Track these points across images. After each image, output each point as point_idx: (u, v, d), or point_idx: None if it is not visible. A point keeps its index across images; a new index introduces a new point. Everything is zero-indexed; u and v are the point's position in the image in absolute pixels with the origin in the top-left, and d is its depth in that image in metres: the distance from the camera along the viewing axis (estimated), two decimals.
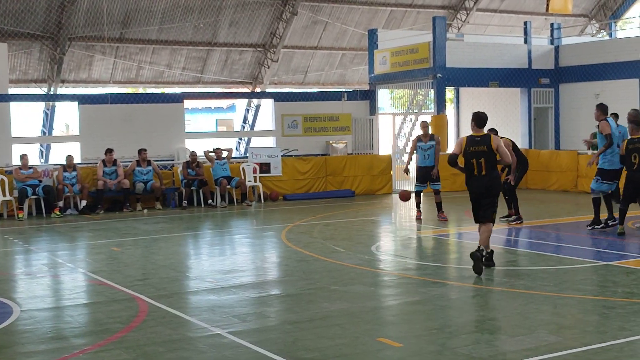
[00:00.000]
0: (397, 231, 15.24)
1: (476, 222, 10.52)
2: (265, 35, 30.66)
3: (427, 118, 25.25)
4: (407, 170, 16.76)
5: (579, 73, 25.84)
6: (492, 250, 10.47)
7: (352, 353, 6.77)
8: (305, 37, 31.53)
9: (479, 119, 10.32)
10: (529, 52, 26.25)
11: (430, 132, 16.55)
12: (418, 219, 16.12)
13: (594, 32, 36.24)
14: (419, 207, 16.29)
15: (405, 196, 16.28)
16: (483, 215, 10.32)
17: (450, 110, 29.99)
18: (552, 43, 27.20)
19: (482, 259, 9.96)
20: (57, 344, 7.29)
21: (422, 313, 8.26)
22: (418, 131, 17.96)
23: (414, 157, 16.77)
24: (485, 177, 10.21)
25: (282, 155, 21.75)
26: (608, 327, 7.44)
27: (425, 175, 16.16)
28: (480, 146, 10.17)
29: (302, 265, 11.07)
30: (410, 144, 16.34)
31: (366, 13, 31.66)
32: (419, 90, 26.75)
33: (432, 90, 24.71)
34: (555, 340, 6.99)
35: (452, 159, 10.61)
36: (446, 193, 21.60)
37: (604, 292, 8.99)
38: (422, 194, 16.35)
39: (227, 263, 11.68)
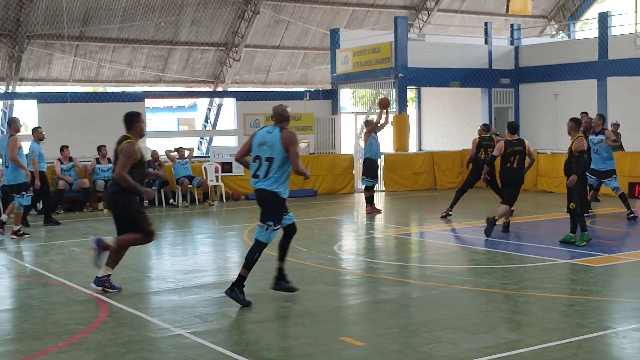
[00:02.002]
0: (359, 230, 15.29)
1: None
2: (227, 34, 30.55)
3: (389, 118, 25.38)
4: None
5: (538, 73, 26.14)
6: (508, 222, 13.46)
7: (315, 352, 6.78)
8: (267, 37, 31.47)
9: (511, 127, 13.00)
10: (490, 53, 26.50)
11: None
12: (369, 213, 16.68)
13: (553, 33, 36.68)
14: (371, 202, 16.88)
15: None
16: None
17: (412, 109, 30.15)
18: (512, 44, 27.49)
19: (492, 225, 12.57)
20: (16, 345, 7.19)
21: (384, 312, 8.30)
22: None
23: (364, 149, 17.36)
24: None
25: None
26: (567, 324, 7.54)
27: (375, 170, 16.93)
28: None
29: (264, 265, 11.02)
30: (383, 119, 16.78)
31: (328, 12, 31.70)
32: (380, 90, 26.86)
33: (394, 90, 24.83)
34: (515, 337, 7.06)
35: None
36: (408, 192, 21.75)
37: (563, 290, 9.11)
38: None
39: (189, 263, 11.62)
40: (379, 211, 17.07)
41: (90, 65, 29.05)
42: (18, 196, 14.13)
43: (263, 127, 8.76)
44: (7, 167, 14.26)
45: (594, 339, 6.98)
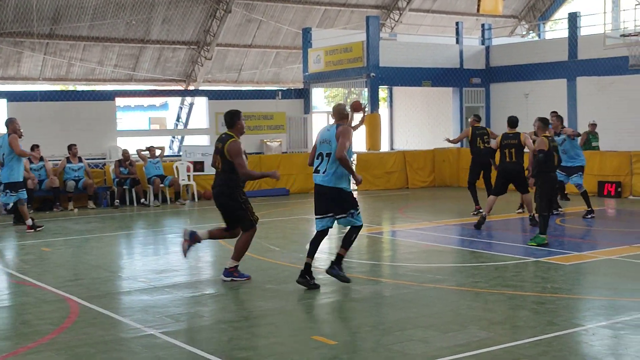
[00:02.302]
0: (331, 229, 15.27)
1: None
2: (198, 32, 30.44)
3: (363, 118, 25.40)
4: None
5: (509, 73, 26.34)
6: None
7: (287, 351, 6.77)
8: (239, 35, 31.40)
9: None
10: (461, 52, 26.66)
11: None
12: None
13: (524, 33, 36.98)
14: None
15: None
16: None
17: (383, 109, 30.24)
18: (483, 43, 27.68)
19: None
20: None
21: (356, 311, 8.31)
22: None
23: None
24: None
25: None
26: (537, 322, 7.59)
27: None
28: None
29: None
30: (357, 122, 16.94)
31: (300, 12, 31.70)
32: (352, 89, 26.92)
33: (366, 89, 24.90)
34: (486, 335, 7.10)
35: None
36: (380, 191, 21.81)
37: (534, 288, 9.18)
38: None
39: (161, 263, 11.56)
40: None
41: (60, 64, 28.82)
42: (13, 194, 14.56)
43: (325, 126, 9.44)
44: (2, 165, 14.51)
45: (564, 336, 7.04)
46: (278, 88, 30.29)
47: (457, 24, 27.64)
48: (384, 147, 27.37)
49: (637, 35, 17.28)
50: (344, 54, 25.41)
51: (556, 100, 24.55)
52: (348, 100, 28.19)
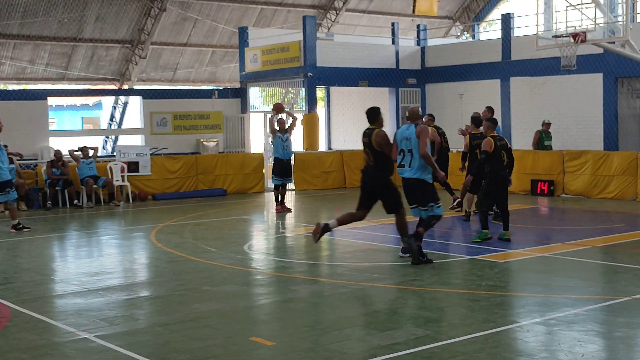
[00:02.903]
0: (269, 230, 15.26)
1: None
2: (132, 31, 30.04)
3: (299, 116, 25.39)
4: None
5: (444, 73, 26.64)
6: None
7: (224, 353, 6.71)
8: (174, 34, 31.09)
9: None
10: (397, 53, 26.86)
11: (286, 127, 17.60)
12: (279, 212, 16.93)
13: (458, 34, 37.45)
14: (279, 201, 17.17)
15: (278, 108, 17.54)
16: None
17: (321, 109, 30.28)
18: (418, 44, 27.93)
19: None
20: None
21: (294, 311, 8.29)
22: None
23: (273, 148, 17.75)
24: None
25: (151, 154, 21.35)
26: (473, 319, 7.68)
27: (284, 170, 17.19)
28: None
29: (172, 266, 10.90)
30: (275, 124, 17.20)
31: (236, 10, 31.54)
32: (290, 89, 26.88)
33: (303, 89, 24.90)
34: (423, 333, 7.15)
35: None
36: (318, 191, 21.84)
37: (469, 286, 9.29)
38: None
39: (94, 265, 11.35)
40: (289, 210, 17.12)
41: None
42: (2, 194, 14.58)
43: (403, 126, 10.79)
44: None
45: (499, 333, 7.13)
46: (214, 87, 30.08)
47: (392, 24, 27.83)
48: (322, 146, 27.40)
49: (568, 36, 17.61)
50: (281, 53, 25.37)
51: (490, 100, 24.87)
52: (285, 100, 28.16)
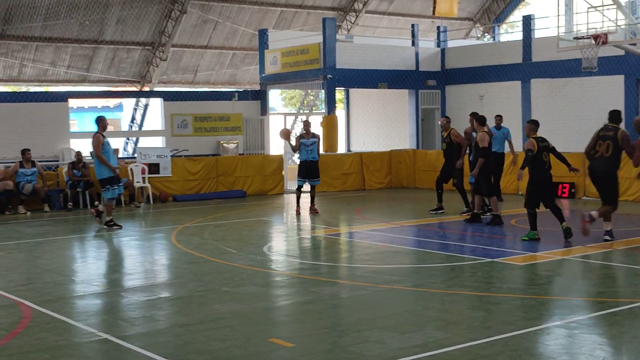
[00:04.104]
0: (288, 231, 15.27)
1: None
2: (153, 33, 30.18)
3: (318, 118, 25.45)
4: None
5: (464, 75, 26.56)
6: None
7: (244, 354, 6.73)
8: (195, 36, 31.20)
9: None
10: (417, 54, 26.81)
11: (311, 130, 17.48)
12: (298, 213, 16.90)
13: (479, 36, 37.31)
14: (299, 203, 17.13)
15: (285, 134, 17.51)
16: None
17: (340, 110, 30.30)
18: (438, 45, 27.86)
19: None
20: None
21: (313, 312, 8.29)
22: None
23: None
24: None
25: (171, 156, 21.43)
26: (493, 322, 7.65)
27: (308, 170, 17.00)
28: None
29: (192, 267, 10.94)
30: (294, 142, 17.13)
31: (256, 13, 31.61)
32: (309, 91, 26.92)
33: (323, 91, 24.91)
34: (442, 336, 7.13)
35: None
36: (337, 193, 21.84)
37: (490, 288, 9.25)
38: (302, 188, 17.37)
39: (115, 266, 11.42)
40: (316, 212, 17.06)
41: (12, 65, 28.34)
42: (103, 190, 15.18)
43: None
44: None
45: (519, 336, 7.10)
46: (234, 89, 30.16)
47: (412, 26, 27.79)
48: (341, 148, 27.42)
49: (589, 38, 17.52)
50: (301, 55, 25.40)
51: (510, 102, 24.82)
52: (305, 103, 28.21)
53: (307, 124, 17.39)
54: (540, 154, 12.37)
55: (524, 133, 23.61)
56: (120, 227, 14.97)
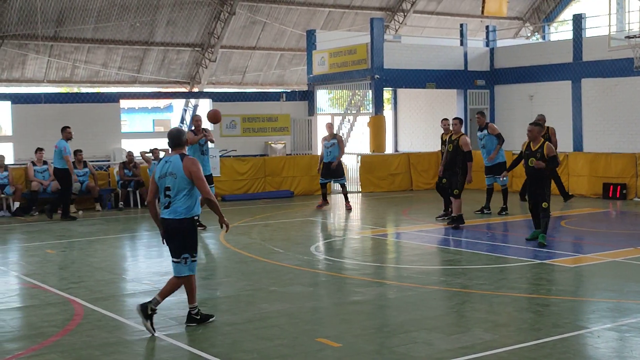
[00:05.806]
0: (335, 231, 15.29)
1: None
2: (203, 34, 30.45)
3: (365, 119, 25.42)
4: (318, 170, 18.59)
5: (513, 75, 26.29)
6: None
7: (291, 354, 6.77)
8: (243, 37, 31.39)
9: None
10: (465, 54, 26.62)
11: (334, 132, 18.79)
12: (319, 206, 18.04)
13: (528, 35, 36.91)
14: (325, 198, 18.26)
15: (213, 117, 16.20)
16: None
17: (388, 111, 30.22)
18: (487, 45, 27.63)
19: None
20: None
21: (360, 313, 8.30)
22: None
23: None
24: None
25: (220, 156, 21.61)
26: (542, 324, 7.58)
27: (328, 170, 18.05)
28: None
29: (240, 267, 11.03)
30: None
31: (304, 14, 31.68)
32: (357, 91, 26.91)
33: (370, 91, 24.88)
34: (490, 338, 7.09)
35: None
36: (384, 193, 21.79)
37: (539, 290, 9.16)
38: (327, 185, 18.55)
39: (165, 265, 11.54)
40: (349, 208, 17.89)
41: (64, 66, 28.84)
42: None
43: None
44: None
45: (568, 339, 7.03)
46: (282, 90, 30.26)
47: (461, 25, 27.60)
48: (388, 149, 27.35)
49: None
50: (348, 55, 25.40)
51: (561, 101, 24.51)
52: (352, 103, 28.20)
53: (328, 126, 18.58)
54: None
55: (574, 133, 23.42)
56: (205, 228, 14.78)
